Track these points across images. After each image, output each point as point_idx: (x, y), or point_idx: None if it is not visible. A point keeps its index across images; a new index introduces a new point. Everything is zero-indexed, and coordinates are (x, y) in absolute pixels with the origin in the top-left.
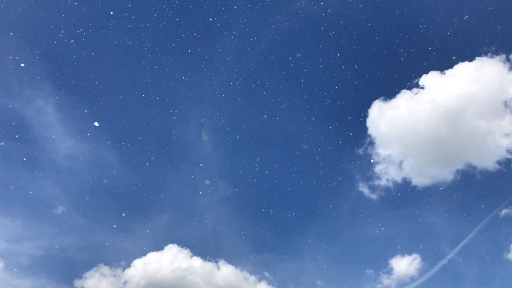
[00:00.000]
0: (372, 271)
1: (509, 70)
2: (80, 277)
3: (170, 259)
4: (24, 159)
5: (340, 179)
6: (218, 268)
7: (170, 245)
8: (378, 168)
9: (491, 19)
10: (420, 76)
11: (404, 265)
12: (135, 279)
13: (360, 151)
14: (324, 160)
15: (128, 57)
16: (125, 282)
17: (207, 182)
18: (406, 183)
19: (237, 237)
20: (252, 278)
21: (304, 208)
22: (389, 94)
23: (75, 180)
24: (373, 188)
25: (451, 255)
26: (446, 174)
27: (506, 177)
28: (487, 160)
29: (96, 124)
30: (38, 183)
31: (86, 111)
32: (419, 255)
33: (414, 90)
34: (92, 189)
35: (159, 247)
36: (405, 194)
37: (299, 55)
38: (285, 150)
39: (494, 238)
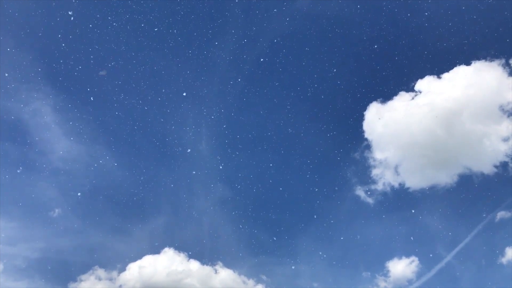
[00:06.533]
0: (369, 273)
1: (509, 75)
2: (75, 280)
3: (167, 263)
4: (21, 160)
5: (336, 182)
6: (216, 272)
7: (167, 249)
8: (374, 172)
9: (490, 22)
10: (417, 79)
11: (401, 268)
12: (130, 282)
13: (357, 155)
14: (321, 163)
15: (126, 58)
16: (120, 286)
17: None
18: (402, 186)
19: (234, 241)
20: (250, 281)
21: (301, 211)
22: (386, 96)
23: (72, 182)
24: (369, 192)
25: (448, 258)
26: (443, 177)
27: (502, 180)
28: (484, 163)
29: None
30: (34, 185)
31: (83, 112)
32: (416, 258)
33: (411, 93)
34: (88, 191)
35: (155, 251)
36: (401, 197)
37: (296, 56)
38: (281, 153)
39: (490, 241)
